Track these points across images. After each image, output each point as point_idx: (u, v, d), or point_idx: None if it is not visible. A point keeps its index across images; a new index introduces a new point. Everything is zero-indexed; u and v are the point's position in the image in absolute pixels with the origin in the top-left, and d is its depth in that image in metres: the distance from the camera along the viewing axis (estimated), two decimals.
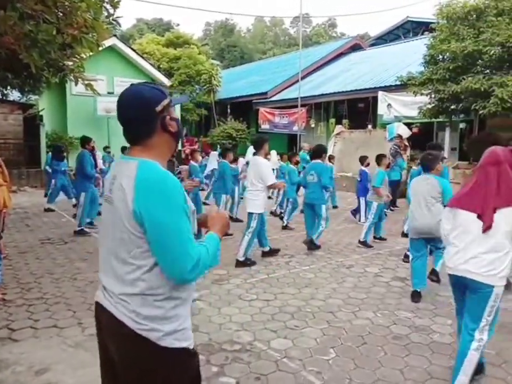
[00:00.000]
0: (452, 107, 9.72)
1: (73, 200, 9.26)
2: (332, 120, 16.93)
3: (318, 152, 6.63)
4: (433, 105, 10.16)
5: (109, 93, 14.78)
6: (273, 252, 6.12)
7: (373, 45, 23.21)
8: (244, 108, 19.88)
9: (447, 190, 4.39)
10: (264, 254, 6.06)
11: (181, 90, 20.35)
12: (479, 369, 2.85)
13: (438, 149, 6.15)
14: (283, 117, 17.71)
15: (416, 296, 4.46)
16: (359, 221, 8.43)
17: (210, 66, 21.02)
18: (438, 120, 11.48)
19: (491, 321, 2.66)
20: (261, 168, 5.47)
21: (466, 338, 2.67)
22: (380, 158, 7.06)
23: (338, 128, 15.22)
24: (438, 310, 4.21)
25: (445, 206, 3.43)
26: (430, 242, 4.52)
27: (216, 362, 3.16)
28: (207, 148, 18.57)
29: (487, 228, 2.52)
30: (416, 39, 17.98)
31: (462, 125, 11.96)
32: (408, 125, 12.51)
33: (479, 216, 2.56)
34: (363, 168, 8.38)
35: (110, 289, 1.51)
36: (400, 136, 12.31)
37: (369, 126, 14.30)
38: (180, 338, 1.51)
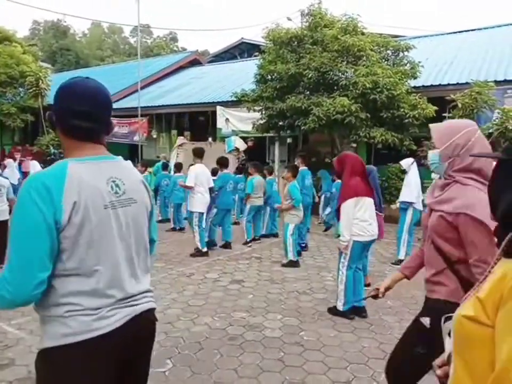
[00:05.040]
0: (280, 123, 10.67)
1: None
2: (174, 132, 16.94)
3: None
4: (264, 121, 11.04)
5: None
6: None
7: (211, 61, 24.14)
8: None
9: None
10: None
11: (0, 93, 17.74)
12: None
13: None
14: (122, 126, 16.94)
15: (297, 264, 6.20)
16: None
17: (37, 68, 18.89)
18: (269, 135, 12.52)
19: None
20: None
21: (360, 274, 4.37)
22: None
23: (180, 139, 15.30)
24: (270, 307, 4.54)
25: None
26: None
27: None
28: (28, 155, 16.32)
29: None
30: (250, 60, 19.36)
31: (289, 140, 13.29)
32: (244, 139, 13.35)
33: (374, 202, 4.30)
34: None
35: (142, 290, 1.55)
36: (237, 149, 13.07)
37: (210, 139, 14.76)
38: None
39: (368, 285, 5.05)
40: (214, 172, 7.96)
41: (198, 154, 6.85)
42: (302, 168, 7.61)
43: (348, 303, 4.26)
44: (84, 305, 1.38)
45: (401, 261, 6.14)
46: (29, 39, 39.01)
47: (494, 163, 1.82)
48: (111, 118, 1.57)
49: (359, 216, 4.12)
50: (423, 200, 6.29)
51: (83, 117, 1.45)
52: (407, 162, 6.34)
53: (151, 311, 1.61)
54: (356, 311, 4.31)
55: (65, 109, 1.46)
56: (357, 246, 4.21)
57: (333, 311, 4.38)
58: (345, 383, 3.07)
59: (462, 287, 1.83)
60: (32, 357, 3.27)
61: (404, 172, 6.60)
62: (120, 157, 1.60)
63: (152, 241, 1.72)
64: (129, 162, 1.64)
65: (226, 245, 7.32)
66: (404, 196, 6.22)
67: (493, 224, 1.65)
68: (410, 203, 6.18)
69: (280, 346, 3.62)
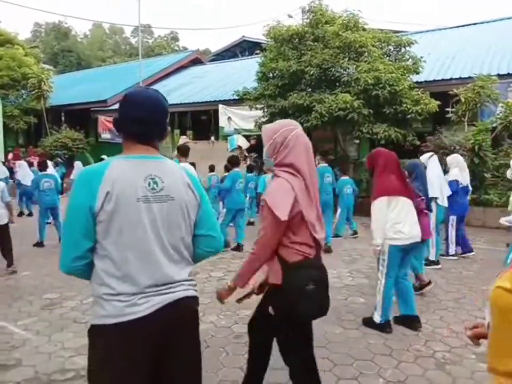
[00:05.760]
0: None
1: None
2: (177, 131, 16.97)
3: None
4: (266, 118, 11.03)
5: None
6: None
7: (212, 60, 24.15)
8: (81, 116, 18.45)
9: None
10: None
11: (3, 95, 17.84)
12: None
13: None
14: None
15: None
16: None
17: (39, 70, 18.97)
18: None
19: None
20: None
21: (408, 283, 3.92)
22: None
23: (183, 139, 15.32)
24: None
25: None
26: None
27: None
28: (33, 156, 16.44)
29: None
30: (251, 58, 19.36)
31: None
32: (247, 137, 13.36)
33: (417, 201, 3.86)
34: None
35: (179, 279, 1.64)
36: (240, 147, 13.08)
37: (212, 138, 14.78)
38: None
39: (428, 283, 4.78)
40: (227, 169, 8.17)
41: (184, 152, 6.56)
42: (322, 165, 7.23)
43: (385, 315, 3.84)
44: (117, 290, 1.54)
45: (433, 262, 5.87)
46: (31, 41, 39.19)
47: (305, 158, 2.12)
48: (160, 122, 1.71)
49: (393, 218, 3.65)
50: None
51: (137, 122, 1.64)
52: (425, 157, 5.84)
53: (190, 299, 1.68)
54: (407, 322, 3.91)
55: (123, 114, 1.67)
56: (394, 250, 3.70)
57: (369, 323, 3.95)
58: (351, 379, 3.06)
59: (281, 268, 2.11)
60: (39, 357, 3.32)
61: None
62: (161, 157, 1.72)
63: (204, 236, 1.79)
64: (175, 163, 1.77)
65: (238, 247, 7.14)
66: None
67: (283, 212, 2.03)
68: (432, 199, 5.54)
69: None
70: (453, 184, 6.20)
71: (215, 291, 4.84)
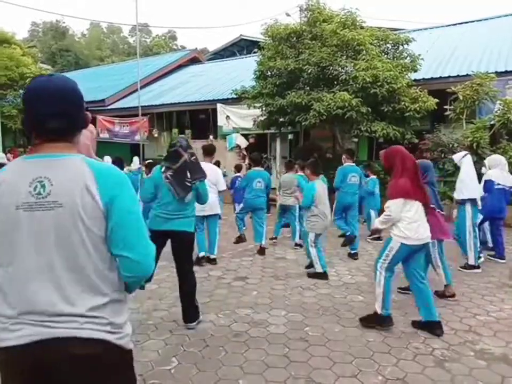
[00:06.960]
0: (281, 119, 10.66)
1: None
2: (175, 130, 16.94)
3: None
4: (264, 117, 11.03)
5: None
6: None
7: (210, 59, 24.14)
8: None
9: None
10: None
11: (0, 95, 17.79)
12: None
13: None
14: (123, 125, 16.96)
15: (324, 276, 5.39)
16: None
17: (37, 70, 18.95)
18: (270, 131, 12.51)
19: None
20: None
21: (423, 286, 3.80)
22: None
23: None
24: (274, 303, 4.54)
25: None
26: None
27: None
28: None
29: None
30: (249, 56, 19.33)
31: (290, 136, 13.27)
32: (246, 136, 13.34)
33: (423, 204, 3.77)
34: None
35: (71, 313, 1.32)
36: (239, 146, 13.09)
37: (211, 137, 14.76)
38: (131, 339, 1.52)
39: (452, 296, 4.59)
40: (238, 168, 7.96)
41: (209, 151, 5.94)
42: (348, 164, 6.83)
43: (385, 308, 3.82)
44: None
45: (472, 266, 5.56)
46: (28, 40, 39.04)
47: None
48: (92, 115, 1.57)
49: (409, 217, 3.66)
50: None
51: (42, 117, 1.38)
52: (459, 156, 5.55)
53: (82, 341, 1.32)
54: (428, 328, 3.77)
55: (26, 110, 1.42)
56: (404, 250, 3.70)
57: (366, 319, 3.93)
58: (350, 377, 3.07)
59: None
60: None
61: (456, 167, 5.62)
62: (63, 155, 1.40)
63: (119, 257, 1.43)
64: (80, 161, 1.41)
65: (261, 251, 6.78)
66: (459, 193, 5.41)
67: None
68: (467, 200, 5.40)
69: (285, 342, 3.62)
70: (488, 184, 5.86)
71: (213, 290, 4.90)
